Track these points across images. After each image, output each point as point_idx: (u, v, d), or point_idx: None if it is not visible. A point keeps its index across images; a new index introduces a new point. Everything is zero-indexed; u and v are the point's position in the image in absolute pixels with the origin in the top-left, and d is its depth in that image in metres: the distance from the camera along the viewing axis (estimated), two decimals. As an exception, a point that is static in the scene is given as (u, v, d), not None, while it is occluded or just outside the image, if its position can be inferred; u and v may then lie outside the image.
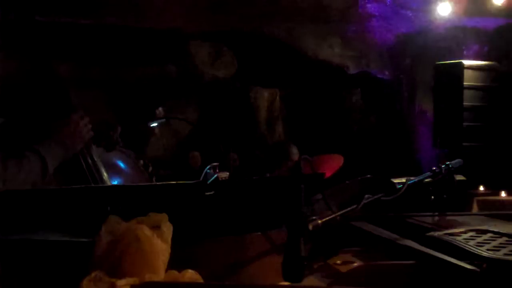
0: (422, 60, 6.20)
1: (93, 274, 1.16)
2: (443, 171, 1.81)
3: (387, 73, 6.56)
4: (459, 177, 1.95)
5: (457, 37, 5.92)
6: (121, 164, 2.30)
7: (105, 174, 2.05)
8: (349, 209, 1.43)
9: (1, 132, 1.92)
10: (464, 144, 5.36)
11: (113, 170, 2.16)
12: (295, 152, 4.65)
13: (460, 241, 1.50)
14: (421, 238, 1.58)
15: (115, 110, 3.35)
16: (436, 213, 1.99)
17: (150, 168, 3.29)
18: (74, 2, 4.96)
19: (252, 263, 1.47)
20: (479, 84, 5.46)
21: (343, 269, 1.56)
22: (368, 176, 1.91)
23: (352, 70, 6.47)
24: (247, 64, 6.41)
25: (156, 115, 3.38)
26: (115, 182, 2.15)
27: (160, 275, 1.22)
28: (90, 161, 2.04)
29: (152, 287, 1.19)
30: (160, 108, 3.39)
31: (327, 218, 1.31)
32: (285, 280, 1.21)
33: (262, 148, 6.51)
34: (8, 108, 1.97)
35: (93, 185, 1.95)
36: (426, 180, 1.78)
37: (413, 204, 1.92)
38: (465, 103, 5.40)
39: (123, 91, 5.40)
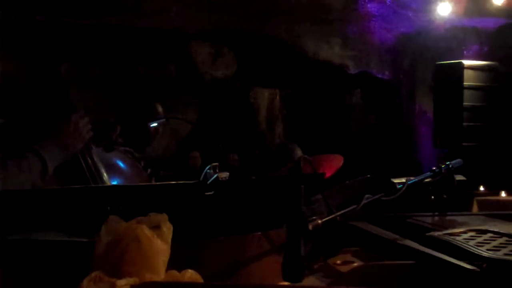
0: (422, 60, 6.20)
1: (93, 274, 1.16)
2: (443, 171, 1.82)
3: (387, 73, 6.56)
4: (459, 177, 1.95)
5: (457, 37, 5.91)
6: (121, 164, 2.30)
7: (105, 174, 2.05)
8: (349, 209, 1.43)
9: (1, 132, 1.92)
10: (464, 144, 5.36)
11: (113, 170, 2.16)
12: (299, 154, 4.63)
13: (460, 241, 1.50)
14: (421, 238, 1.58)
15: (115, 110, 3.32)
16: (436, 213, 1.99)
17: (149, 171, 3.28)
18: (74, 2, 4.96)
19: (252, 263, 1.46)
20: (479, 84, 5.46)
21: (343, 269, 1.56)
22: (368, 176, 1.91)
23: (352, 70, 6.47)
24: (247, 64, 6.41)
25: (156, 111, 3.34)
26: (115, 182, 2.15)
27: (160, 275, 1.22)
28: (90, 161, 2.04)
29: (152, 287, 1.19)
30: (158, 105, 3.35)
31: (327, 218, 1.31)
32: (285, 280, 1.21)
33: (262, 148, 6.52)
34: (8, 108, 1.97)
35: (93, 185, 1.95)
36: (426, 180, 1.78)
37: (413, 204, 1.92)
38: (465, 103, 5.40)
39: (123, 90, 5.40)
